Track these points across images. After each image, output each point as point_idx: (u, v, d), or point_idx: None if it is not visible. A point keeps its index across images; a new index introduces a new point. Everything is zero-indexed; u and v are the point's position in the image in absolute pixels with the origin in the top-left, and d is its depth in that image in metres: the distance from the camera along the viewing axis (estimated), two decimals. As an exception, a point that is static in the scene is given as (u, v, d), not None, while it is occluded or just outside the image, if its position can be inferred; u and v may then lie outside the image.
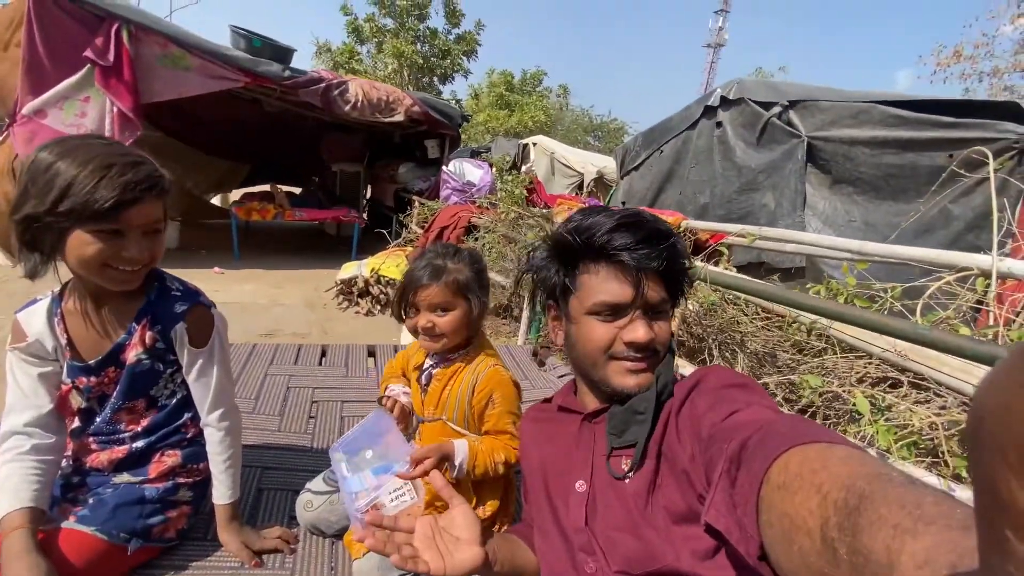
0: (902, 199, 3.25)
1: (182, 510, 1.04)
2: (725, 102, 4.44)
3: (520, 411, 1.11)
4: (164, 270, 1.03)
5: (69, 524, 0.90)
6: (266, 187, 6.88)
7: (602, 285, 0.73)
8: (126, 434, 1.00)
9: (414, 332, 1.12)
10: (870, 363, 1.52)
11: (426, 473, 0.85)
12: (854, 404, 1.24)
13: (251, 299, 4.31)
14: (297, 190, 7.30)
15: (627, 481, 0.71)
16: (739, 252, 3.44)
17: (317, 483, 1.20)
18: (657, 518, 0.67)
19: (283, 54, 4.75)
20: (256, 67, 4.48)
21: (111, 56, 3.87)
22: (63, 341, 0.93)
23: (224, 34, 4.78)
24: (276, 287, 4.76)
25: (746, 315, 2.03)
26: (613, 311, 0.73)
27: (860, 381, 1.52)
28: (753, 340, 1.91)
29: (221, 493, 1.03)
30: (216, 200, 7.38)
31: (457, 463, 0.98)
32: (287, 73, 4.67)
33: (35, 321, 0.93)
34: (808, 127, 3.74)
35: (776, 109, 3.97)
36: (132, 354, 0.95)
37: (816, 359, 1.67)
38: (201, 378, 1.01)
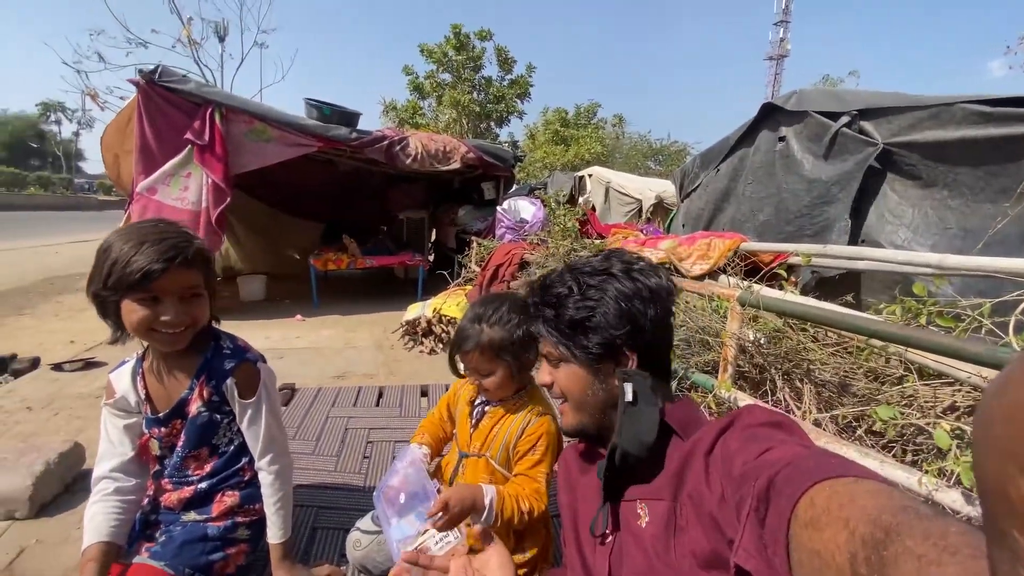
0: (1002, 200, 2.88)
1: (240, 548, 1.12)
2: (786, 115, 4.26)
3: (553, 465, 1.11)
4: (222, 329, 1.15)
5: (142, 559, 1.00)
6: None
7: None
8: (193, 477, 1.11)
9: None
10: (958, 390, 1.33)
11: (453, 524, 0.88)
12: (932, 437, 1.09)
13: (327, 343, 4.63)
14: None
15: (644, 526, 0.69)
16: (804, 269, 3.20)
17: (366, 522, 1.25)
18: (683, 564, 0.64)
19: (350, 118, 5.24)
20: (327, 132, 4.98)
21: (207, 136, 4.49)
22: (142, 396, 1.07)
23: (301, 105, 5.41)
24: (349, 331, 5.08)
25: (816, 340, 1.88)
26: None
27: (949, 411, 1.34)
28: (822, 369, 1.76)
29: (273, 533, 1.10)
30: (297, 254, 8.10)
31: (483, 514, 0.97)
32: (354, 135, 5.14)
33: (122, 379, 1.07)
34: (884, 134, 3.47)
35: (845, 119, 3.75)
36: (194, 407, 1.06)
37: (895, 387, 1.50)
38: (252, 426, 1.11)
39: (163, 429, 1.08)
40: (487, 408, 1.16)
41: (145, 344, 1.08)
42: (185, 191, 4.64)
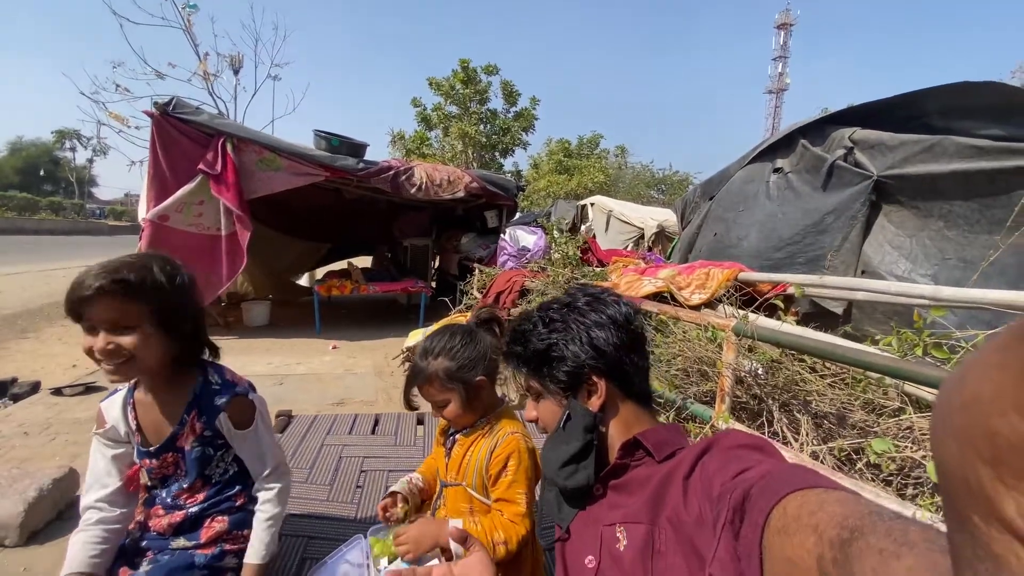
0: (999, 231, 2.90)
1: None
2: (783, 146, 4.35)
3: (532, 489, 1.10)
4: (213, 362, 1.14)
5: (127, 587, 0.99)
6: (343, 264, 7.56)
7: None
8: (186, 505, 1.11)
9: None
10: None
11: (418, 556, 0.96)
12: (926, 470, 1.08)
13: (328, 369, 4.62)
14: (368, 261, 7.93)
15: (623, 550, 0.69)
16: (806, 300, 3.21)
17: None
18: None
19: (357, 149, 5.39)
20: (334, 162, 5.11)
21: (218, 166, 4.62)
22: (133, 427, 1.07)
23: (310, 135, 5.57)
24: (350, 357, 5.08)
25: (814, 371, 1.87)
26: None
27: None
28: (820, 400, 1.75)
29: (256, 550, 1.08)
30: (303, 280, 8.16)
31: (453, 548, 0.97)
32: (360, 165, 5.27)
33: (113, 408, 1.08)
34: (879, 166, 3.54)
35: (840, 151, 3.83)
36: (188, 442, 1.07)
37: (892, 419, 1.49)
38: (253, 450, 1.13)
39: (154, 461, 1.08)
40: (457, 436, 1.18)
41: None
42: (199, 216, 4.76)
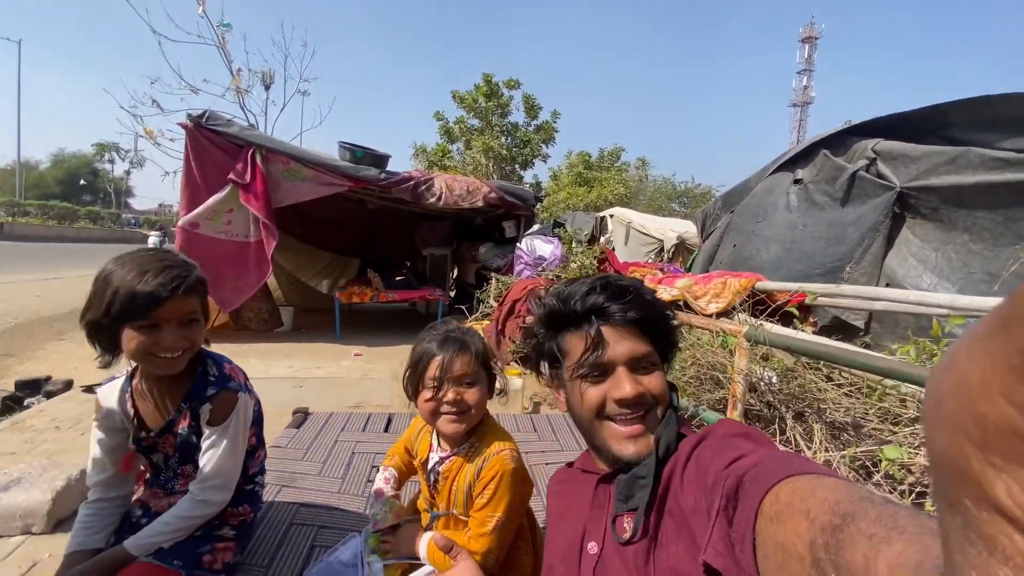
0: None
1: (227, 545, 1.16)
2: (804, 157, 4.31)
3: (514, 514, 1.01)
4: (216, 354, 1.18)
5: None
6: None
7: (581, 347, 0.76)
8: (181, 491, 1.15)
9: (434, 414, 1.03)
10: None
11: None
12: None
13: (346, 373, 4.70)
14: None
15: (626, 540, 0.71)
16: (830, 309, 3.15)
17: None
18: None
19: (379, 160, 5.54)
20: (357, 173, 5.27)
21: (247, 176, 4.81)
22: (131, 415, 1.11)
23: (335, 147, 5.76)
24: (368, 362, 5.16)
25: (830, 379, 1.85)
26: (599, 371, 0.75)
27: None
28: (834, 409, 1.73)
29: (138, 539, 1.01)
30: (323, 288, 8.32)
31: (421, 556, 0.97)
32: (383, 176, 5.42)
33: (110, 397, 1.11)
34: (902, 177, 3.48)
35: (862, 162, 3.78)
36: (180, 428, 1.11)
37: (908, 428, 1.46)
38: (208, 450, 1.10)
39: (153, 444, 1.12)
40: (440, 468, 1.08)
41: (133, 364, 1.09)
42: (228, 224, 4.96)
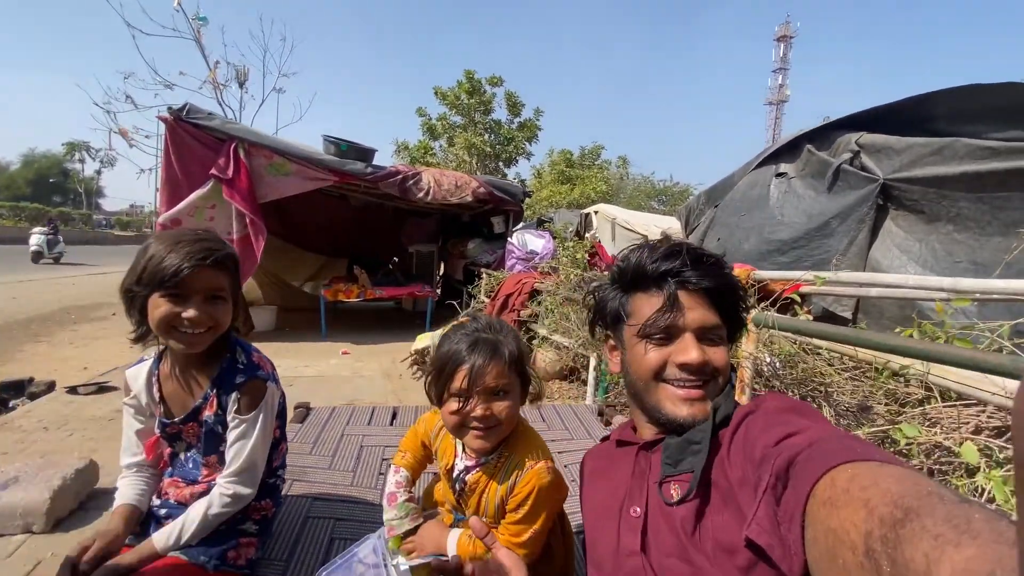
0: (1012, 233, 2.91)
1: (250, 540, 1.12)
2: (788, 151, 4.39)
3: (548, 521, 0.94)
4: (245, 342, 1.15)
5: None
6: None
7: (651, 308, 0.75)
8: (205, 481, 1.11)
9: (460, 427, 0.91)
10: (983, 411, 1.32)
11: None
12: (959, 454, 1.08)
13: (335, 371, 4.63)
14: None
15: (676, 507, 0.69)
16: (819, 300, 3.21)
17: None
18: (706, 544, 0.64)
19: (366, 154, 5.44)
20: (343, 167, 5.17)
21: (230, 171, 4.67)
22: (156, 399, 1.08)
23: (317, 142, 5.63)
24: (357, 360, 5.08)
25: (831, 365, 1.88)
26: (665, 333, 0.74)
27: (976, 432, 1.33)
28: (840, 392, 1.75)
29: (168, 533, 0.99)
30: (307, 288, 8.13)
31: (449, 553, 0.94)
32: (369, 170, 5.32)
33: (138, 378, 1.09)
34: (885, 169, 3.56)
35: (846, 155, 3.85)
36: (205, 415, 1.07)
37: (916, 409, 1.49)
38: (237, 441, 1.06)
39: (177, 432, 1.10)
40: (467, 478, 0.98)
41: (163, 346, 1.08)
42: (211, 220, 4.81)
